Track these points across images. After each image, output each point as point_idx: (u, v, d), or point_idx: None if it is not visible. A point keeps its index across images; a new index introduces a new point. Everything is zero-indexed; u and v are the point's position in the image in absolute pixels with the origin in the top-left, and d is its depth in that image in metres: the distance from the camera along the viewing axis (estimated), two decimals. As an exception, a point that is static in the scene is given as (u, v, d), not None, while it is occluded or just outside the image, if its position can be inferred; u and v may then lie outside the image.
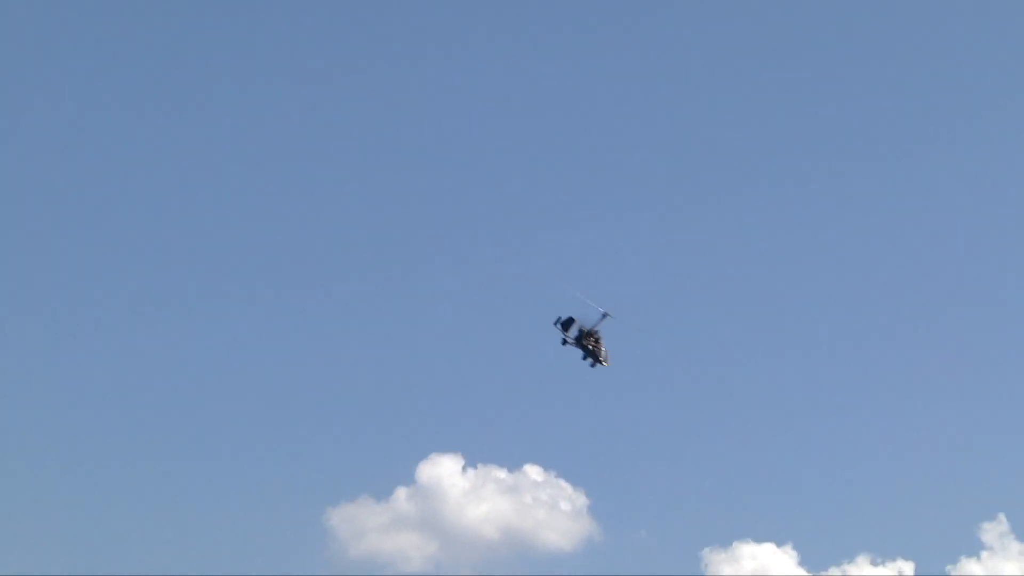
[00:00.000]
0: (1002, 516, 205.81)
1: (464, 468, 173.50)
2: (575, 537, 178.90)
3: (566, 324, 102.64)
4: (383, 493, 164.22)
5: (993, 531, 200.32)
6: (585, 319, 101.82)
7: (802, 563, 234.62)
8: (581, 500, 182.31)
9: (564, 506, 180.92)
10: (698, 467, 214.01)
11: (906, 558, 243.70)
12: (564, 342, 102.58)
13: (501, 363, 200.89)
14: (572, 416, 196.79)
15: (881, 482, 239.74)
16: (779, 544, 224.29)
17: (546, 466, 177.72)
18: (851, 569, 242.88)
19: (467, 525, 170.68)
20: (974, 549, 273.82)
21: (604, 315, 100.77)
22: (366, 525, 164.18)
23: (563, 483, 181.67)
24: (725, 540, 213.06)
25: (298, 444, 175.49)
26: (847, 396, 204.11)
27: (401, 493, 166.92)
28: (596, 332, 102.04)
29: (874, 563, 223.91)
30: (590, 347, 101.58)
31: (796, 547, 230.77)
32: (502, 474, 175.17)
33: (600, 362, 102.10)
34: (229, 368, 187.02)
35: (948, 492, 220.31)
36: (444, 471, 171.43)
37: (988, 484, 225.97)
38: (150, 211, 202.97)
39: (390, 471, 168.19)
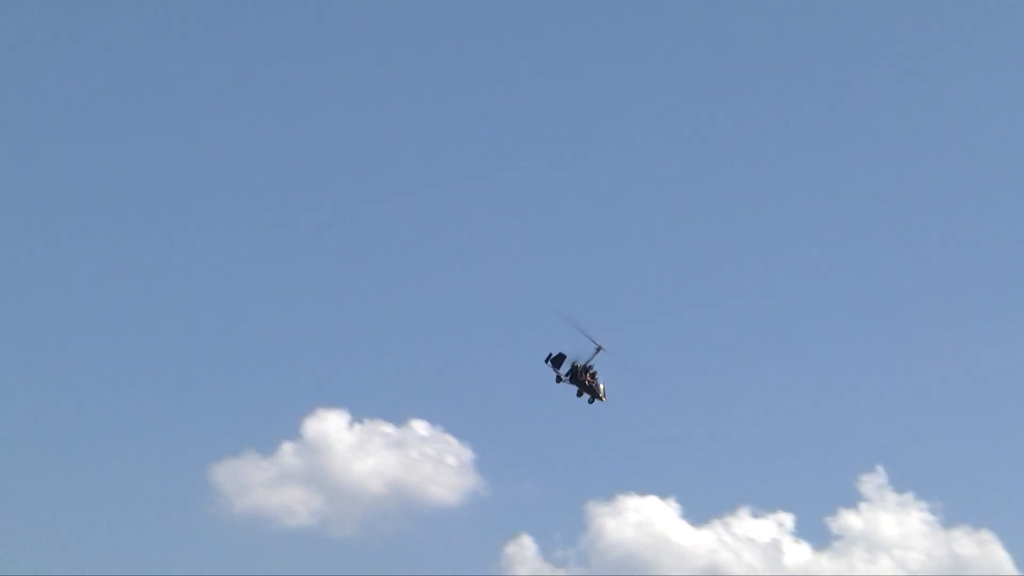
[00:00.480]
0: (880, 468, 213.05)
1: (350, 423, 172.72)
2: (461, 491, 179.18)
3: (557, 361, 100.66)
4: (268, 448, 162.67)
5: (871, 483, 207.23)
6: (576, 354, 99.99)
7: (684, 515, 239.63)
8: (467, 455, 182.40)
9: (450, 460, 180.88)
10: (581, 421, 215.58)
11: (786, 510, 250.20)
12: (558, 379, 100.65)
13: (387, 317, 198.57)
14: (458, 371, 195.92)
15: (761, 435, 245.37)
16: (662, 497, 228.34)
17: (432, 421, 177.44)
18: (732, 521, 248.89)
19: (353, 480, 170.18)
20: (852, 501, 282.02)
21: (598, 349, 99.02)
22: (251, 480, 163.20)
23: (449, 438, 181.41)
24: (608, 493, 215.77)
25: (181, 398, 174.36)
26: (727, 350, 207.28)
27: (287, 448, 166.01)
28: (590, 367, 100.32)
29: (755, 515, 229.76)
30: (586, 383, 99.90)
31: (678, 500, 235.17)
32: (388, 429, 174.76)
33: (598, 398, 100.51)
34: (110, 317, 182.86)
35: (827, 445, 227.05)
36: (330, 426, 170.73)
37: (866, 437, 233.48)
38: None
39: (275, 426, 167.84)
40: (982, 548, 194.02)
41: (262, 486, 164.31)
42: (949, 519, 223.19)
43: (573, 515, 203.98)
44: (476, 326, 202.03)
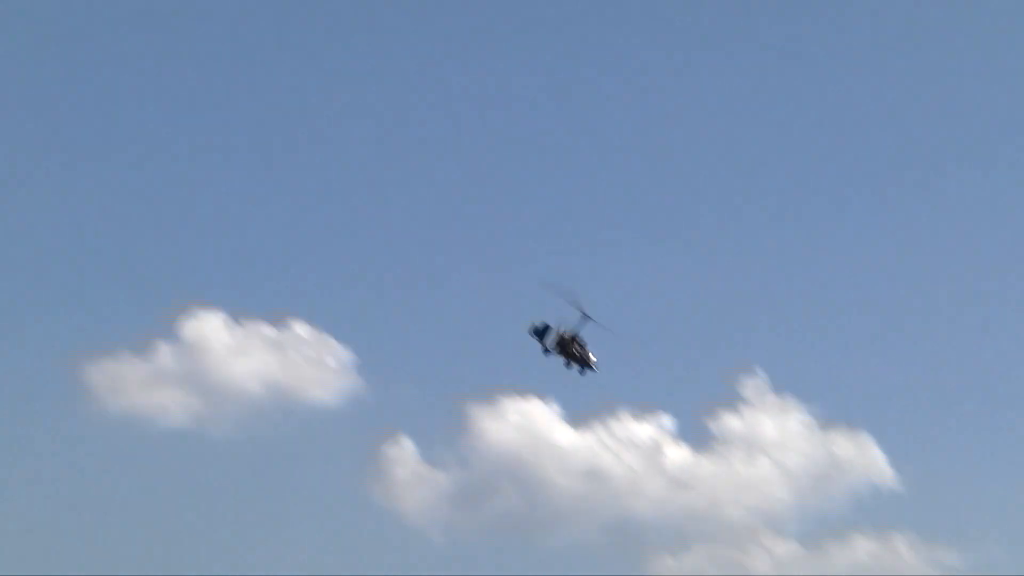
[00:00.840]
0: (760, 370, 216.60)
1: (228, 323, 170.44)
2: (340, 392, 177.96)
3: (541, 332, 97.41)
4: (143, 347, 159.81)
5: (751, 385, 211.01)
6: (562, 323, 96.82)
7: (565, 417, 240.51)
8: (347, 356, 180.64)
9: (330, 362, 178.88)
10: (461, 322, 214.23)
11: (666, 412, 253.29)
12: (546, 351, 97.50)
13: (267, 215, 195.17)
14: (339, 272, 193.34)
15: (642, 335, 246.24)
16: (542, 398, 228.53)
17: (313, 322, 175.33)
18: (613, 423, 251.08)
19: (231, 381, 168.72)
20: (732, 403, 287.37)
21: (585, 316, 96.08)
22: (125, 380, 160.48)
23: (330, 339, 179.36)
24: (489, 394, 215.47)
25: (52, 295, 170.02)
26: (606, 247, 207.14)
27: (163, 347, 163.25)
28: (578, 337, 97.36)
29: (635, 416, 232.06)
30: (576, 353, 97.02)
31: (559, 401, 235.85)
32: (268, 329, 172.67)
33: (589, 368, 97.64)
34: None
35: (708, 346, 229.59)
36: (207, 325, 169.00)
37: (747, 338, 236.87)
38: None
39: (151, 325, 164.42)
40: (859, 449, 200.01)
41: (137, 386, 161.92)
42: (826, 421, 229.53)
43: (453, 416, 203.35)
44: (359, 225, 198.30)
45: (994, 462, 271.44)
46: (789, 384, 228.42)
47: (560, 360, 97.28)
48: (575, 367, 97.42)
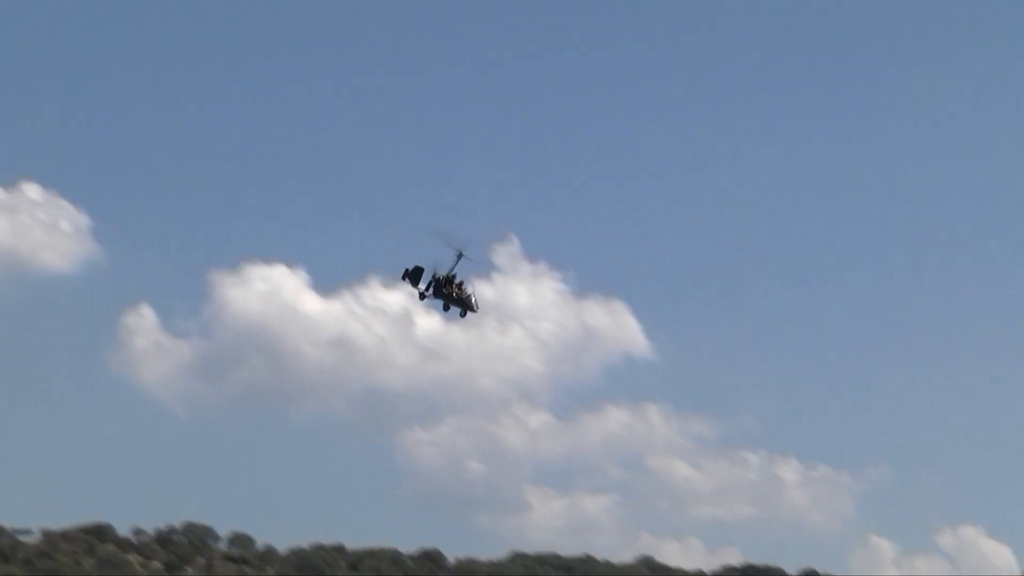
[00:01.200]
0: (513, 237, 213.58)
1: None
2: (76, 259, 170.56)
3: (414, 276, 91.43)
4: None
5: (504, 252, 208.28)
6: (438, 264, 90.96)
7: (313, 285, 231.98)
8: (83, 220, 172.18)
9: (65, 227, 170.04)
10: (204, 186, 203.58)
11: None
12: (422, 296, 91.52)
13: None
14: (74, 130, 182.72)
15: (389, 204, 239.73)
16: (289, 265, 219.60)
17: (46, 184, 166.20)
18: (361, 290, 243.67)
19: None
20: (485, 271, 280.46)
21: (460, 256, 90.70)
22: None
23: (64, 202, 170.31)
24: (233, 261, 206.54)
25: None
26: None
27: None
28: (453, 276, 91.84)
29: (386, 285, 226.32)
30: (453, 295, 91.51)
31: (306, 268, 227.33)
32: None
33: (470, 309, 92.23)
34: None
35: (460, 214, 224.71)
36: None
37: (499, 207, 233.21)
38: None
39: None
40: (613, 318, 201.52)
41: None
42: (581, 289, 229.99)
43: (195, 284, 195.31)
44: (98, 78, 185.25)
45: (747, 334, 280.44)
46: (543, 251, 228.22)
47: (438, 303, 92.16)
48: (456, 311, 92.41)
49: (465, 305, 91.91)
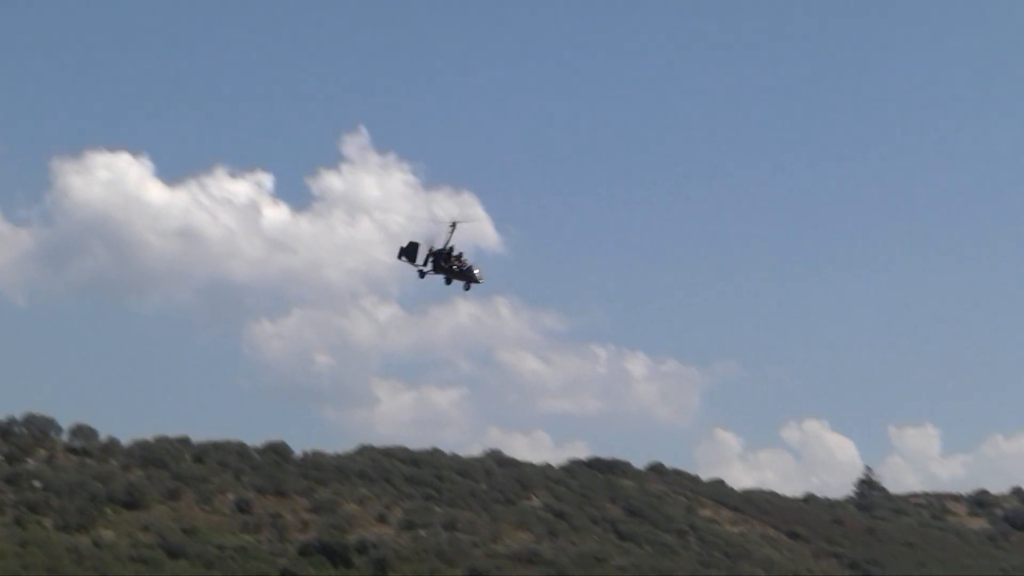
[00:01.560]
0: (363, 128, 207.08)
1: None
2: None
3: (410, 252, 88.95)
4: None
5: (353, 143, 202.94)
6: (432, 238, 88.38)
7: (158, 173, 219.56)
8: None
9: None
10: (45, 71, 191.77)
11: (265, 170, 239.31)
12: (421, 274, 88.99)
13: None
14: None
15: (228, 87, 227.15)
16: (134, 153, 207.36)
17: None
18: (208, 180, 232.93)
19: None
20: (334, 161, 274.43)
21: (453, 226, 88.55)
22: None
23: None
24: (75, 148, 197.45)
25: None
26: None
27: None
28: (450, 249, 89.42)
29: (232, 174, 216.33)
30: (454, 268, 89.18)
31: (151, 156, 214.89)
32: None
33: (474, 281, 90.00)
34: None
35: (308, 104, 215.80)
36: None
37: (348, 97, 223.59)
38: None
39: None
40: (463, 210, 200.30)
41: None
42: (430, 181, 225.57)
43: (36, 171, 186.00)
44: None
45: (597, 229, 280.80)
46: (393, 142, 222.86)
47: (439, 279, 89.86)
48: (459, 284, 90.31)
49: (468, 277, 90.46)
